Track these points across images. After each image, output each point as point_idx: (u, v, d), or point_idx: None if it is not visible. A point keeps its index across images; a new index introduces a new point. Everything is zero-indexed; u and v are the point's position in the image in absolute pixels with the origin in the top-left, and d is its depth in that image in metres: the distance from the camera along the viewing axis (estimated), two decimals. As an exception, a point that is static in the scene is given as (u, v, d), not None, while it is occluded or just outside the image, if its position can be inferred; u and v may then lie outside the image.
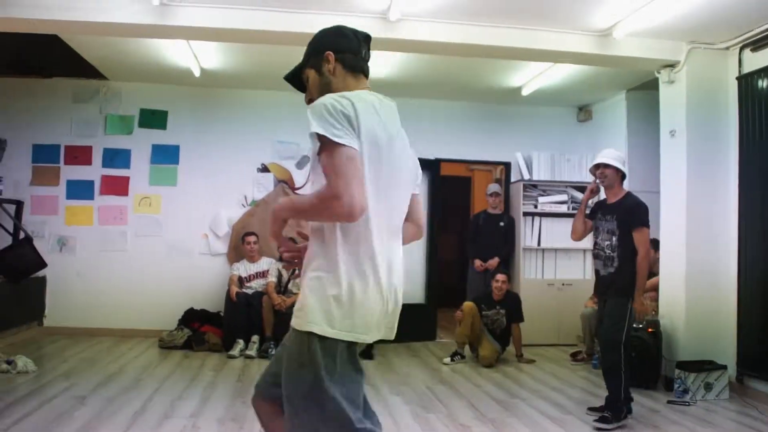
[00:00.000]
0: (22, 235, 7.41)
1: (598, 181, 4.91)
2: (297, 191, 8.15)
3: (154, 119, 8.18)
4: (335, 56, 2.17)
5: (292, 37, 5.53)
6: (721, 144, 5.86)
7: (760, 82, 5.47)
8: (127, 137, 8.13)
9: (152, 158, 8.13)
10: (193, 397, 5.11)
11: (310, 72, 2.24)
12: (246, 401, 5.01)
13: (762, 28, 5.43)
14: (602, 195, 5.16)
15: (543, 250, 8.19)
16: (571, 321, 7.67)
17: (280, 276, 7.34)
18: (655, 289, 6.25)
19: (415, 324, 8.17)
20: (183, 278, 7.92)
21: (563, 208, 8.13)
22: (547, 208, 8.20)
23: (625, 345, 4.61)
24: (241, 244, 7.67)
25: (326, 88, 2.16)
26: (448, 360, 6.85)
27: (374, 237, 2.03)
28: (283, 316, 6.68)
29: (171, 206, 8.10)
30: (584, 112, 8.80)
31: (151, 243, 8.04)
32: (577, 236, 5.15)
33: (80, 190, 8.02)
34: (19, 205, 7.72)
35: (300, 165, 8.25)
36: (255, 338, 7.00)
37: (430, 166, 8.47)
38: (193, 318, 7.46)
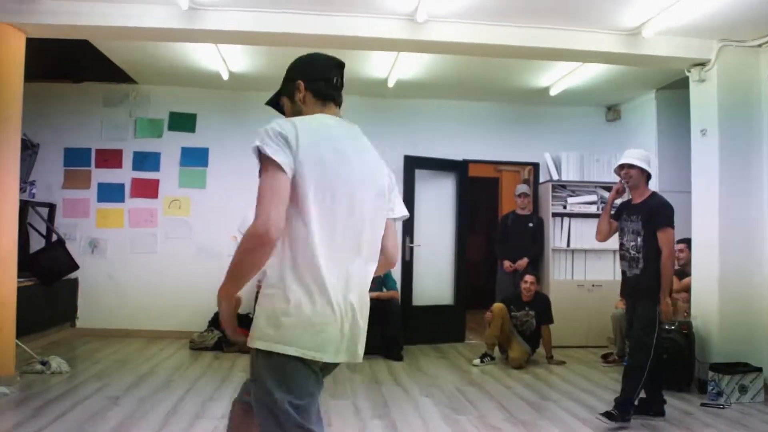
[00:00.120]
0: (54, 237, 7.54)
1: (623, 181, 4.86)
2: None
3: (183, 122, 8.27)
4: (305, 85, 2.22)
5: (319, 40, 5.55)
6: (754, 142, 5.77)
7: (793, 80, 5.38)
8: (156, 140, 8.23)
9: (181, 161, 8.22)
10: (224, 398, 5.13)
11: (284, 99, 2.30)
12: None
13: (795, 25, 5.35)
14: (628, 195, 5.11)
15: (572, 250, 8.13)
16: (601, 322, 7.61)
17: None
18: (687, 290, 6.17)
19: (444, 325, 8.19)
20: (212, 280, 7.83)
21: (592, 209, 8.06)
22: (576, 209, 8.14)
23: (655, 348, 4.56)
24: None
25: (298, 116, 2.19)
26: (477, 361, 6.82)
27: (319, 253, 2.02)
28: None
29: (200, 208, 8.18)
30: (613, 112, 8.72)
31: (180, 245, 8.12)
32: (602, 237, 5.11)
33: (111, 192, 8.13)
34: (51, 208, 7.85)
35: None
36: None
37: (457, 167, 8.48)
38: (223, 320, 7.48)
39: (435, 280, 8.36)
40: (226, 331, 2.20)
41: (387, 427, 4.50)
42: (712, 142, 5.85)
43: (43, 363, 5.77)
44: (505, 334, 6.84)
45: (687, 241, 6.37)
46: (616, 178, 4.96)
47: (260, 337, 2.04)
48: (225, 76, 7.33)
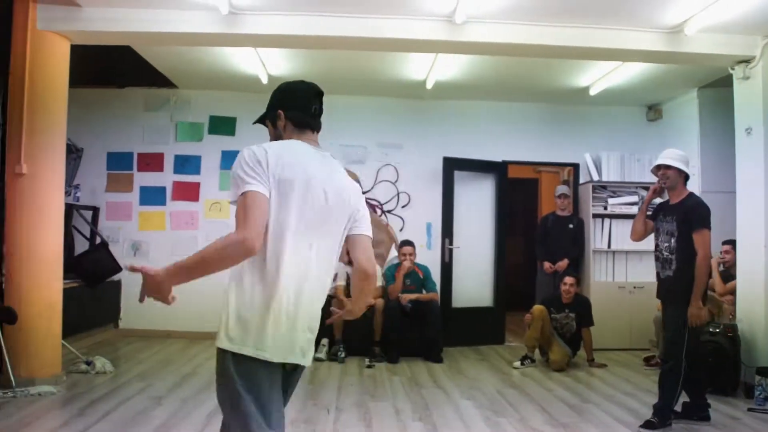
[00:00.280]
0: (98, 240, 7.68)
1: (660, 182, 4.78)
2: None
3: (223, 126, 8.35)
4: (285, 114, 2.36)
5: (357, 42, 5.57)
6: (801, 141, 5.65)
7: (842, 76, 5.25)
8: (197, 144, 8.33)
9: (222, 164, 8.29)
10: (264, 398, 5.16)
11: (269, 124, 2.46)
12: (317, 403, 5.07)
13: (844, 20, 5.22)
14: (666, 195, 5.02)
15: (614, 252, 8.03)
16: (642, 325, 7.51)
17: (348, 280, 7.38)
18: (733, 292, 6.06)
19: (484, 327, 8.15)
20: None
21: (634, 210, 7.92)
22: (617, 210, 8.04)
23: (689, 352, 4.43)
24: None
25: (278, 140, 2.37)
26: (518, 364, 6.78)
27: (271, 261, 2.17)
28: (353, 320, 6.70)
29: (240, 211, 8.21)
30: (654, 111, 8.60)
31: (221, 247, 8.16)
32: (637, 237, 5.03)
33: (153, 196, 8.25)
34: (95, 211, 8.01)
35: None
36: (324, 341, 7.06)
37: (496, 168, 8.43)
38: (262, 321, 7.54)
39: (474, 282, 8.32)
40: (151, 296, 2.33)
41: (428, 430, 4.49)
42: (757, 141, 5.72)
43: (88, 363, 5.88)
44: (546, 336, 6.78)
45: (732, 243, 6.24)
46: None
47: (220, 337, 2.27)
48: (264, 80, 7.38)
